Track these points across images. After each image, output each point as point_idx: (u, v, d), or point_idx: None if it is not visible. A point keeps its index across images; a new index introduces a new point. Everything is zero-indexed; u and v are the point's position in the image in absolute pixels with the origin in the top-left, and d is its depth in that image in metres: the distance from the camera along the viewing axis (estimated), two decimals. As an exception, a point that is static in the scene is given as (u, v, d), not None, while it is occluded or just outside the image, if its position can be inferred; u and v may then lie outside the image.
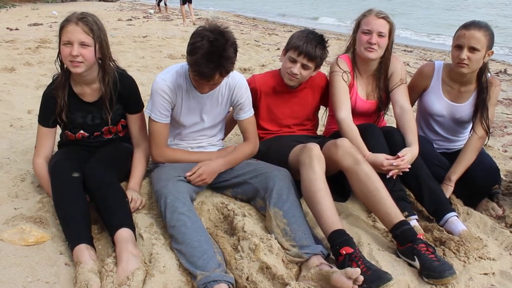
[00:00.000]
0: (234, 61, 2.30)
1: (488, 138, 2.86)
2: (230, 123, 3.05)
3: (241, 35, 11.04)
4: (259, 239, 2.14)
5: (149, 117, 2.57)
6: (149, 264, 2.03)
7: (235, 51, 2.29)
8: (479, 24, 2.66)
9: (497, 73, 7.86)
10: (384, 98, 2.99)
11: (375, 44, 2.74)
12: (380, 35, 2.75)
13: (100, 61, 2.50)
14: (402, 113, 2.84)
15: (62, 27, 2.38)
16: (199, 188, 2.57)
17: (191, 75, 2.39)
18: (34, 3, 22.05)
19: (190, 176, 2.50)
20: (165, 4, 18.86)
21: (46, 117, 2.60)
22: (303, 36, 2.72)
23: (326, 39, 2.78)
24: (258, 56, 8.30)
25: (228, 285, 1.91)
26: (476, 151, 2.79)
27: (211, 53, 2.18)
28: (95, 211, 2.32)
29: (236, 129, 3.32)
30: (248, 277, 1.96)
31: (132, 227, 2.20)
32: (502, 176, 3.20)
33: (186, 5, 14.82)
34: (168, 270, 1.99)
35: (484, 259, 2.27)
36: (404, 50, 10.31)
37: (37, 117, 2.65)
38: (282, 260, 2.11)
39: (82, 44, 2.35)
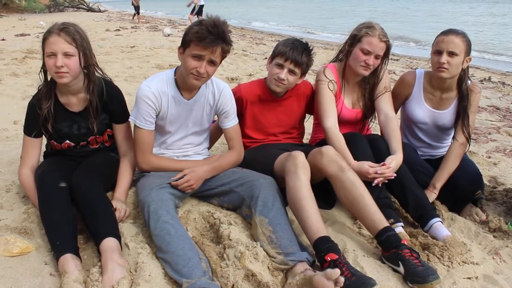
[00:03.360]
0: (231, 47, 2.45)
1: (469, 144, 2.90)
2: (216, 133, 3.06)
3: (229, 45, 11.06)
4: (245, 247, 2.15)
5: (134, 124, 2.58)
6: (134, 273, 2.03)
7: (231, 41, 2.44)
8: (456, 31, 2.73)
9: (481, 80, 7.97)
10: (370, 107, 3.02)
11: (371, 65, 2.79)
12: (377, 57, 2.79)
13: (85, 70, 2.50)
14: (387, 120, 2.87)
15: (44, 39, 2.39)
16: (183, 194, 2.58)
17: (189, 55, 2.39)
18: (22, 13, 21.94)
19: (176, 181, 2.51)
20: (137, 13, 18.78)
21: (32, 128, 2.59)
22: (289, 43, 2.76)
23: (311, 47, 2.82)
24: (245, 65, 8.33)
25: (214, 292, 1.91)
26: (459, 158, 2.83)
27: (213, 28, 2.33)
28: (81, 220, 2.31)
29: (222, 139, 3.33)
30: (233, 285, 1.97)
31: (118, 236, 2.20)
32: (485, 181, 3.26)
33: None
34: (153, 279, 1.99)
35: (468, 264, 2.29)
36: (391, 59, 10.40)
37: (23, 127, 2.64)
38: (268, 267, 2.12)
39: (66, 54, 2.35)
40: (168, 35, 13.01)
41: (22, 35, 12.10)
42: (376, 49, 2.76)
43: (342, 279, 1.89)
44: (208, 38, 2.32)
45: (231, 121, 2.72)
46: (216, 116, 2.77)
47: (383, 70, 2.95)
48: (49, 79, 2.53)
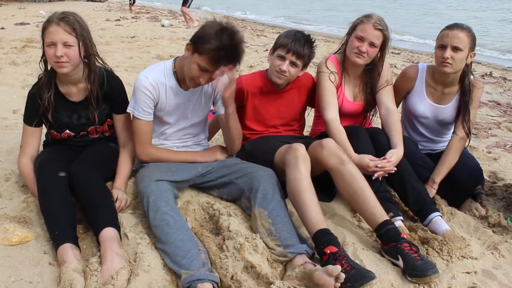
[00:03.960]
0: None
1: (469, 139, 2.90)
2: (214, 125, 3.05)
3: (229, 36, 11.02)
4: (244, 238, 2.15)
5: (132, 114, 2.57)
6: (133, 264, 2.03)
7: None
8: (461, 26, 2.72)
9: (482, 75, 7.95)
10: (371, 100, 3.01)
11: (364, 52, 2.77)
12: (372, 45, 2.76)
13: (86, 60, 2.49)
14: (388, 114, 2.86)
15: (44, 29, 2.37)
16: (182, 185, 2.59)
17: (197, 65, 2.34)
18: (21, 2, 21.80)
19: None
20: (132, 2, 18.55)
21: (32, 117, 2.58)
22: (291, 34, 2.75)
23: (313, 39, 2.80)
24: (246, 57, 8.18)
25: (212, 284, 1.92)
26: (458, 152, 2.83)
27: (232, 51, 2.30)
28: (80, 210, 2.31)
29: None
30: (232, 276, 1.97)
31: (117, 226, 2.20)
32: (485, 177, 3.26)
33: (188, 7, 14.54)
34: (152, 269, 2.00)
35: (467, 258, 2.30)
36: (392, 52, 10.37)
37: (23, 116, 2.63)
38: (267, 259, 2.13)
39: (66, 44, 2.34)
40: (166, 26, 12.91)
41: (21, 24, 12.02)
42: (369, 36, 2.74)
43: (343, 275, 1.89)
44: (223, 62, 2.31)
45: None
46: (212, 105, 2.77)
47: (383, 62, 2.93)
48: (49, 68, 2.52)
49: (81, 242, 2.21)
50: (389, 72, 2.99)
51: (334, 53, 3.02)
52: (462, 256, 2.31)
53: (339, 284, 1.90)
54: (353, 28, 2.83)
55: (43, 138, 2.76)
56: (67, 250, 2.04)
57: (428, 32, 14.43)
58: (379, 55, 2.87)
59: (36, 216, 2.39)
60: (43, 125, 2.64)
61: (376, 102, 3.01)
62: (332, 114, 2.79)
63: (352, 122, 2.97)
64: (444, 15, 21.53)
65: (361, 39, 2.76)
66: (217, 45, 2.27)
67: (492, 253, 2.42)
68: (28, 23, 12.07)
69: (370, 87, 2.97)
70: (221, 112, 2.70)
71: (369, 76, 2.96)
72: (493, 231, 2.64)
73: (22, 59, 6.69)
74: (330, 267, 1.90)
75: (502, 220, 2.70)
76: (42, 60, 2.50)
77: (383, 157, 2.59)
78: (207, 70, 2.35)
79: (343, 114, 2.90)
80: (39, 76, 2.59)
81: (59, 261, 2.03)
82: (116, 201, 2.42)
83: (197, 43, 2.34)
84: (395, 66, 7.95)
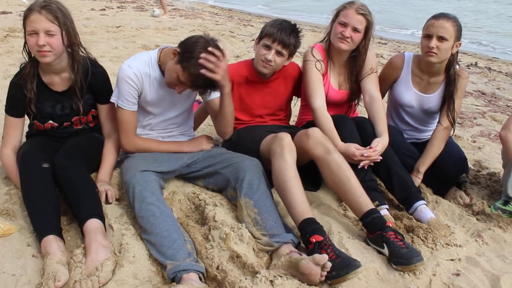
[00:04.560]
0: None
1: (454, 129, 2.92)
2: (201, 114, 3.03)
3: (216, 26, 10.93)
4: (230, 228, 2.15)
5: (116, 104, 2.54)
6: (118, 255, 2.02)
7: None
8: (447, 15, 2.72)
9: (468, 65, 8.01)
10: (356, 89, 3.01)
11: (348, 37, 2.76)
12: (355, 30, 2.76)
13: (69, 49, 2.45)
14: (371, 101, 2.87)
15: (25, 17, 2.32)
16: (167, 175, 2.57)
17: (176, 75, 2.33)
18: (4, -9, 21.42)
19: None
20: None
21: (14, 107, 2.54)
22: (277, 24, 2.73)
23: (299, 29, 2.79)
24: (232, 47, 8.23)
25: (198, 274, 1.91)
26: (443, 142, 2.85)
27: (208, 84, 2.33)
28: (64, 202, 2.29)
29: (208, 120, 3.30)
30: (218, 266, 1.96)
31: (101, 217, 2.18)
32: (470, 165, 3.29)
33: None
34: (138, 260, 1.99)
35: (451, 246, 2.33)
36: (379, 42, 10.39)
37: (5, 107, 2.58)
38: (253, 249, 2.13)
39: (48, 33, 2.29)
40: (157, 15, 12.72)
41: (3, 13, 11.77)
42: (352, 21, 2.74)
43: (329, 264, 1.90)
44: (200, 86, 2.38)
45: (215, 94, 2.64)
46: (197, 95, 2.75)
47: (367, 48, 2.91)
48: (32, 57, 2.47)
49: (65, 233, 2.18)
50: (374, 60, 2.98)
51: (319, 42, 3.01)
52: (446, 244, 2.34)
53: (325, 273, 1.91)
54: (336, 14, 2.83)
55: (26, 129, 2.72)
56: (51, 241, 2.02)
57: (413, 22, 14.47)
58: (363, 42, 2.86)
59: (19, 208, 2.36)
60: (26, 115, 2.60)
61: (360, 91, 3.01)
62: (319, 102, 2.79)
63: (337, 111, 2.97)
64: (432, 6, 21.55)
65: (344, 24, 2.75)
66: (199, 73, 2.26)
67: (476, 240, 2.45)
68: (10, 12, 11.82)
69: (355, 75, 2.97)
70: (212, 97, 2.66)
71: (354, 63, 2.95)
72: (477, 219, 2.67)
73: (4, 49, 6.57)
74: (317, 256, 1.90)
75: (486, 208, 2.73)
76: (24, 49, 2.45)
77: (369, 146, 2.60)
78: (185, 84, 2.35)
79: (328, 103, 2.90)
80: (21, 65, 2.54)
81: (43, 253, 2.00)
82: (107, 195, 2.41)
83: (183, 57, 2.30)
84: (381, 56, 7.96)
